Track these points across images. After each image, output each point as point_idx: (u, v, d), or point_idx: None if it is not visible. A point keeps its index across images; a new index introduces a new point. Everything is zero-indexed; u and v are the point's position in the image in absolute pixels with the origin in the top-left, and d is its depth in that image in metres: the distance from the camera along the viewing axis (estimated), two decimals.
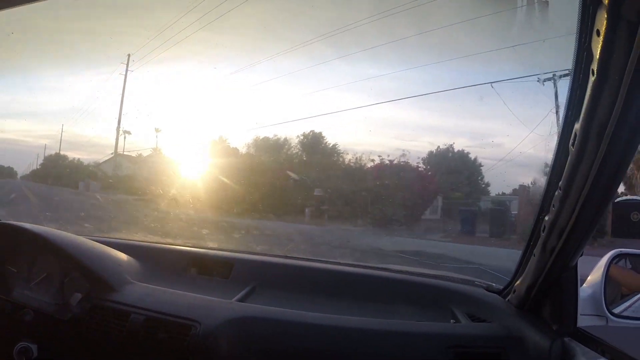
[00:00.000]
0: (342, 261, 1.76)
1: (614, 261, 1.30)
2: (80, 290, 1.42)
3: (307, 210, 13.08)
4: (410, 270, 1.68)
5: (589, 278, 1.31)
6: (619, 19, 0.66)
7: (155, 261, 1.73)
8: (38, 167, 27.73)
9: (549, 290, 1.17)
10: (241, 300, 1.43)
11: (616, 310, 1.30)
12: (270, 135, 15.34)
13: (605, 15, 0.67)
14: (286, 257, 1.79)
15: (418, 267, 2.18)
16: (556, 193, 0.97)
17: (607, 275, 1.26)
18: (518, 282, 1.28)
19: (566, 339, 1.13)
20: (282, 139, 15.69)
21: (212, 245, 2.36)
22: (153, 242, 2.01)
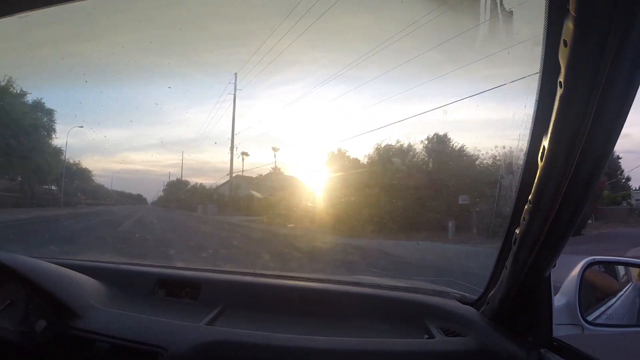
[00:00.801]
0: (312, 276, 1.73)
1: (587, 269, 1.30)
2: (45, 317, 1.37)
3: (450, 224, 11.44)
4: (382, 283, 1.65)
5: (563, 287, 1.31)
6: (587, 28, 0.64)
7: (122, 283, 1.67)
8: (161, 193, 29.79)
9: (523, 301, 1.15)
10: (210, 323, 1.39)
11: (591, 317, 1.30)
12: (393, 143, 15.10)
13: (573, 25, 0.64)
14: (254, 274, 1.75)
15: (391, 279, 2.15)
16: (526, 206, 0.94)
17: (581, 284, 1.26)
18: (491, 293, 1.25)
19: (542, 350, 1.12)
20: (405, 145, 15.34)
21: (179, 263, 2.27)
22: (120, 263, 1.95)
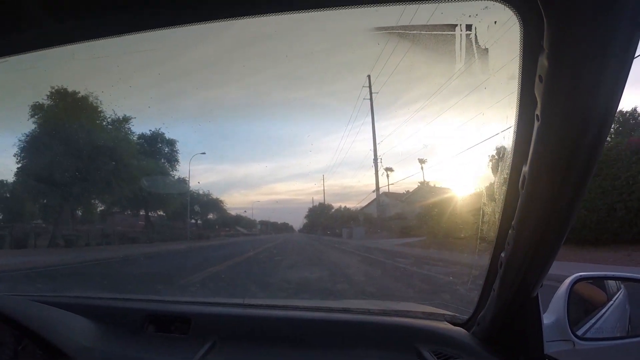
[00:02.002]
0: (301, 304, 1.71)
1: (575, 286, 1.32)
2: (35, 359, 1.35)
3: None
4: (371, 308, 1.65)
5: (551, 303, 1.32)
6: (560, 64, 0.66)
7: (111, 320, 1.64)
8: (305, 220, 31.54)
9: (513, 321, 1.17)
10: (201, 359, 1.37)
11: (581, 331, 1.31)
12: None
13: (546, 61, 0.67)
14: (244, 305, 1.75)
15: (380, 302, 2.15)
16: (510, 232, 0.97)
17: (570, 300, 1.27)
18: (481, 314, 1.27)
19: None
20: None
21: (167, 297, 2.24)
22: (106, 298, 1.92)
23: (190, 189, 24.26)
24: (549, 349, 1.20)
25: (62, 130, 15.50)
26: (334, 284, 7.13)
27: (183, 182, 22.60)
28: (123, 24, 0.94)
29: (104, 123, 16.84)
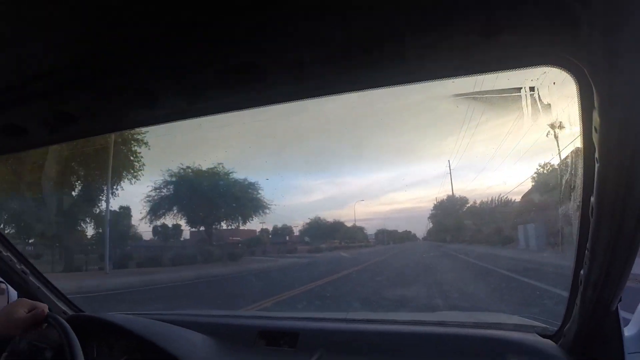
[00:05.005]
0: (399, 319, 1.81)
1: None
2: None
3: None
4: (465, 321, 1.73)
5: (635, 314, 1.38)
6: (609, 119, 0.79)
7: (226, 335, 1.81)
8: (430, 223, 28.22)
9: (595, 334, 1.25)
10: None
11: None
12: None
13: (598, 116, 0.80)
14: (346, 320, 1.86)
15: (473, 314, 2.18)
16: (586, 252, 1.07)
17: None
18: (567, 327, 1.35)
19: None
20: None
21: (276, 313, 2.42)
22: (218, 315, 2.11)
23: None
24: None
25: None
26: None
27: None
28: (238, 103, 1.09)
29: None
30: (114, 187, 17.69)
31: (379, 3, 0.71)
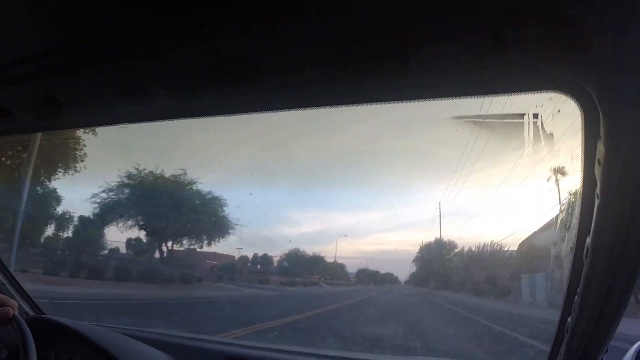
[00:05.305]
0: (374, 359, 1.74)
1: None
2: None
3: None
4: None
5: None
6: (616, 150, 0.77)
7: (190, 357, 1.74)
8: (414, 269, 26.78)
9: None
10: None
11: None
12: None
13: (603, 147, 0.78)
14: (317, 355, 1.79)
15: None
16: (576, 298, 1.04)
17: None
18: None
19: None
20: None
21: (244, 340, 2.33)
22: (186, 337, 2.02)
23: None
24: None
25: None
26: None
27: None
28: (231, 106, 1.08)
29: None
30: (42, 179, 14.96)
31: (383, 8, 0.70)
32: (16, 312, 1.30)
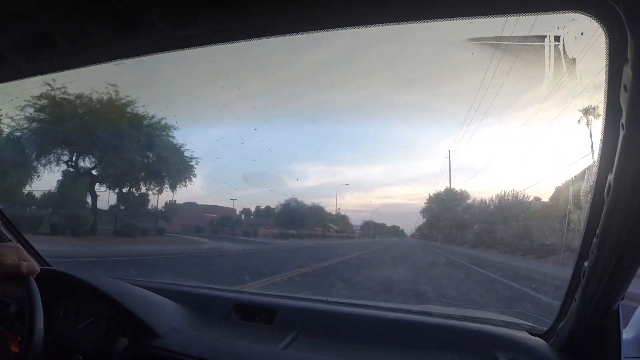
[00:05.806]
0: (383, 305, 1.75)
1: None
2: (126, 336, 1.46)
3: None
4: (452, 313, 1.66)
5: (632, 319, 1.30)
6: None
7: (200, 306, 1.76)
8: (423, 217, 27.08)
9: (592, 333, 1.16)
10: (285, 347, 1.45)
11: None
12: None
13: (630, 71, 0.71)
14: (327, 302, 1.79)
15: (460, 309, 2.12)
16: (594, 240, 0.98)
17: None
18: (561, 325, 1.27)
19: None
20: None
21: (254, 289, 2.36)
22: (197, 287, 2.05)
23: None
24: None
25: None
26: None
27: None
28: (235, 32, 1.03)
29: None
30: None
31: None
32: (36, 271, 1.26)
